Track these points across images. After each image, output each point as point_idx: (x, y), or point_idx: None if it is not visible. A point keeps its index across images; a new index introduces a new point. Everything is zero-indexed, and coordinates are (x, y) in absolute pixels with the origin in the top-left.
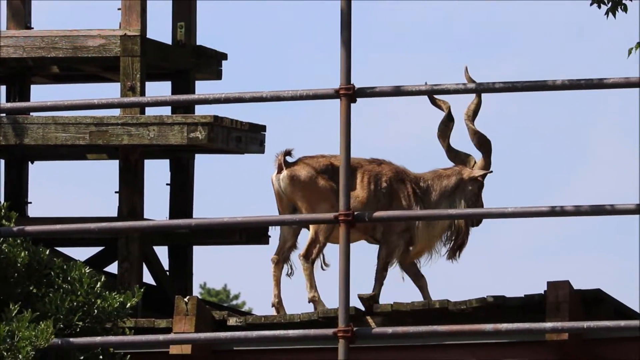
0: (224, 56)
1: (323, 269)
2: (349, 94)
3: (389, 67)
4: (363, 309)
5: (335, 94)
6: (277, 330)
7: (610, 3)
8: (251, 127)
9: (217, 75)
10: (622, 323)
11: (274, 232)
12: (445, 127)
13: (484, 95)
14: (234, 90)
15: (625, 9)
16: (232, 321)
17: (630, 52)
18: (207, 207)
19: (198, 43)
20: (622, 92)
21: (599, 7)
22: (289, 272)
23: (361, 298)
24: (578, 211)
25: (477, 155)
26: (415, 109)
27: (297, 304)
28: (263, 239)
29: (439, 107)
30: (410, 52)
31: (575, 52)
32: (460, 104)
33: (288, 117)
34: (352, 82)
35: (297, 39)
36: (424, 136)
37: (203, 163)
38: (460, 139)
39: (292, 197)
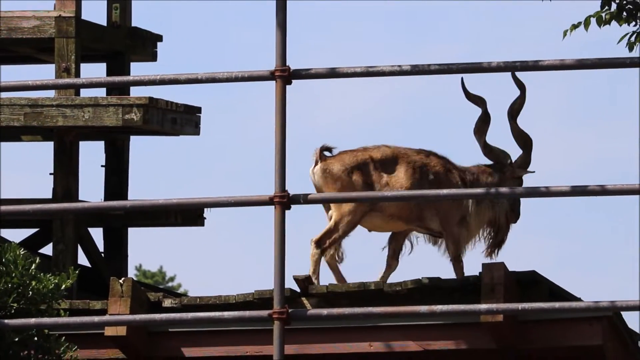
0: (159, 38)
1: (338, 262)
2: (285, 76)
3: (331, 49)
4: (298, 290)
5: (270, 76)
6: (213, 311)
7: None
8: (186, 109)
9: (152, 57)
10: (557, 305)
11: (209, 214)
12: (483, 124)
13: (423, 78)
14: (169, 72)
15: None
16: (167, 303)
17: (565, 34)
18: (142, 189)
19: (133, 24)
20: (557, 74)
21: None
22: (339, 259)
23: (296, 279)
24: (513, 192)
25: (510, 150)
26: (352, 91)
27: (233, 285)
28: (198, 220)
29: (476, 103)
30: (347, 33)
31: (512, 34)
32: (495, 102)
33: (224, 99)
34: (287, 64)
35: (234, 21)
36: (358, 118)
37: (138, 145)
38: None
39: (325, 191)
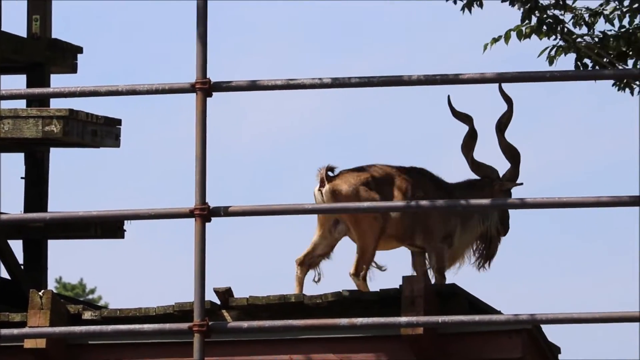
0: (79, 49)
1: (382, 271)
2: (205, 88)
3: (255, 62)
4: (219, 303)
5: (191, 88)
6: (133, 324)
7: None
8: (107, 121)
9: (73, 69)
10: (477, 318)
11: (129, 226)
12: (470, 140)
13: (342, 91)
14: (89, 84)
15: (480, 5)
16: (87, 315)
17: (485, 47)
18: (62, 201)
19: (53, 36)
20: (477, 87)
21: (455, 2)
22: (317, 279)
23: (217, 292)
24: (433, 205)
25: (498, 165)
26: (273, 104)
27: (154, 297)
28: (118, 232)
29: (462, 120)
30: (267, 46)
31: (433, 48)
32: (481, 116)
33: (145, 112)
34: (208, 76)
35: (157, 32)
36: (282, 131)
37: (58, 156)
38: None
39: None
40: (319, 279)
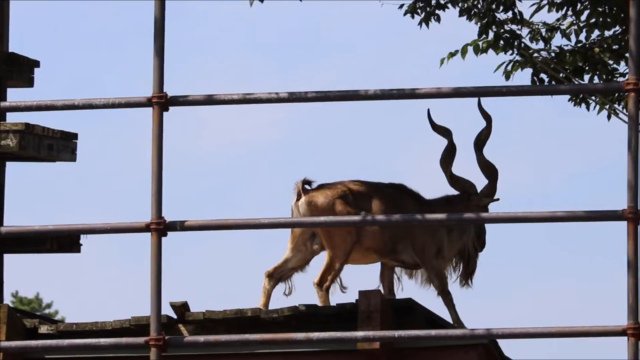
0: (36, 63)
1: (343, 292)
2: (162, 102)
3: (214, 75)
4: (175, 317)
5: (147, 102)
6: (89, 338)
7: (423, 14)
8: (63, 135)
9: (29, 83)
10: (433, 332)
11: (86, 240)
12: (449, 155)
13: (299, 105)
14: (47, 98)
15: (438, 20)
16: (43, 329)
17: (442, 62)
18: (18, 215)
19: (10, 50)
20: (434, 102)
21: (412, 17)
22: (287, 292)
23: (173, 306)
24: (388, 221)
25: (475, 179)
26: (231, 118)
27: (110, 311)
28: (75, 247)
29: (442, 134)
30: (225, 59)
31: (391, 62)
32: (461, 132)
33: (102, 126)
34: (164, 91)
35: (114, 46)
36: (240, 145)
37: (14, 170)
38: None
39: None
40: (290, 292)
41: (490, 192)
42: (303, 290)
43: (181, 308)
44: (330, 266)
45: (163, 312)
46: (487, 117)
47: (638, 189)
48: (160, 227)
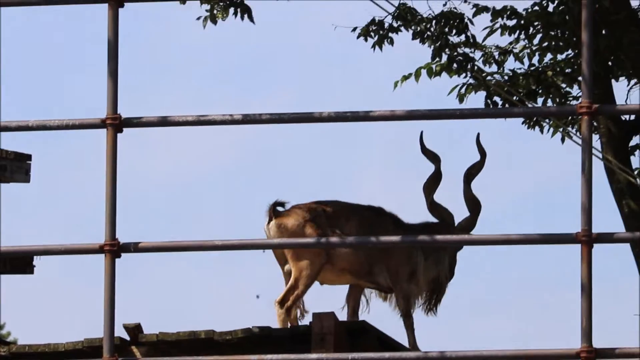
0: None
1: (301, 317)
2: (115, 124)
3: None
4: (128, 338)
5: (101, 124)
6: (43, 359)
7: (376, 37)
8: (16, 156)
9: None
10: (387, 355)
11: (39, 262)
12: (434, 182)
13: (256, 127)
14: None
15: (391, 42)
16: None
17: (395, 85)
18: None
19: None
20: (387, 124)
21: (366, 40)
22: (300, 315)
23: (126, 328)
24: (343, 243)
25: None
26: (185, 139)
27: (63, 332)
28: (28, 268)
29: (430, 159)
30: (181, 81)
31: (344, 85)
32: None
33: (56, 147)
34: (119, 112)
35: (71, 66)
36: (196, 166)
37: None
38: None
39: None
40: (303, 314)
41: (469, 225)
42: (251, 310)
43: (134, 330)
44: (294, 287)
45: (116, 334)
46: (483, 153)
47: (592, 212)
48: (114, 249)
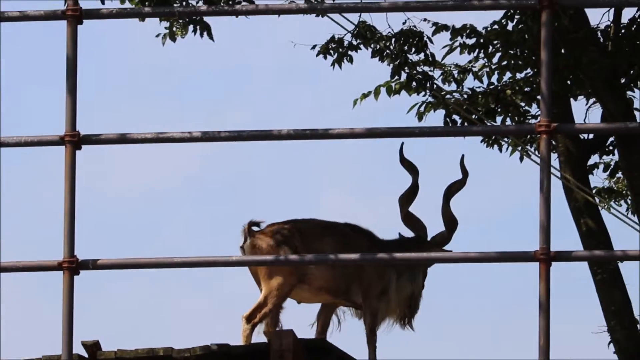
0: None
1: (265, 334)
2: (74, 141)
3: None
4: (87, 356)
5: (60, 141)
6: None
7: (336, 54)
8: None
9: None
10: None
11: None
12: (410, 194)
13: (216, 145)
14: None
15: (350, 60)
16: None
17: (355, 103)
18: None
19: None
20: (347, 142)
21: (325, 57)
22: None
23: (85, 345)
24: (301, 260)
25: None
26: (143, 157)
27: (20, 349)
28: None
29: (408, 170)
30: (140, 98)
31: (304, 103)
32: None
33: (15, 164)
34: (77, 129)
35: (26, 84)
36: (156, 183)
37: None
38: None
39: (254, 266)
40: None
41: (444, 241)
42: (211, 328)
43: (92, 347)
44: (263, 304)
45: (74, 351)
46: (465, 173)
47: (550, 230)
48: (72, 266)
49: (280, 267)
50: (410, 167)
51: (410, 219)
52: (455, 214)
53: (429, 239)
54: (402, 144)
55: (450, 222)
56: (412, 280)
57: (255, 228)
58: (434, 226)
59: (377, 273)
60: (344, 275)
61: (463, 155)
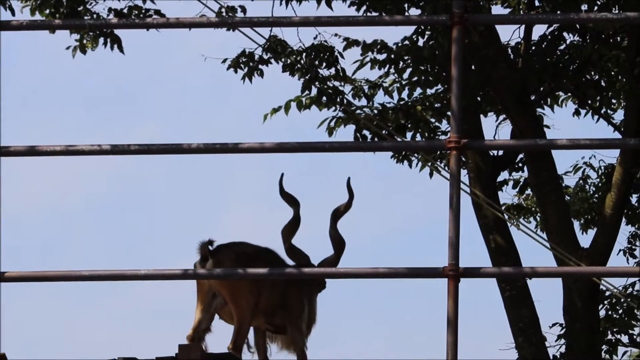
0: None
1: (250, 352)
2: None
3: (38, 124)
4: None
5: None
6: None
7: (246, 68)
8: None
9: None
10: None
11: None
12: (293, 227)
13: (125, 158)
14: None
15: (261, 75)
16: None
17: (265, 117)
18: None
19: None
20: (257, 156)
21: (236, 71)
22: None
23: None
24: (210, 275)
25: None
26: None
27: None
28: None
29: (289, 203)
30: (49, 109)
31: (214, 117)
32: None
33: None
34: None
35: None
36: (65, 196)
37: None
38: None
39: (215, 286)
40: (252, 347)
41: (332, 263)
42: (118, 340)
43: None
44: (240, 328)
45: None
46: (351, 195)
47: (459, 247)
48: None
49: (243, 288)
50: (291, 200)
51: (292, 251)
52: (350, 235)
53: (316, 265)
54: (282, 175)
55: (338, 244)
56: (312, 302)
57: (209, 247)
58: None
59: (298, 297)
60: (275, 299)
61: (349, 178)
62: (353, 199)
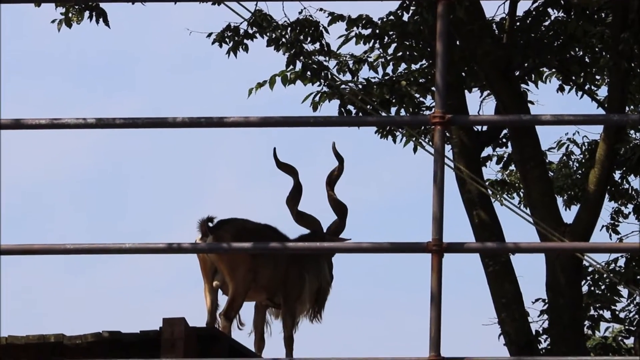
0: None
1: (240, 329)
2: None
3: (24, 97)
4: None
5: None
6: None
7: (231, 43)
8: None
9: None
10: None
11: None
12: (296, 194)
13: (111, 131)
14: None
15: (246, 49)
16: None
17: (250, 92)
18: None
19: None
20: (241, 131)
21: (221, 46)
22: (240, 326)
23: None
24: (195, 248)
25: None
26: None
27: None
28: None
29: (287, 172)
30: (34, 83)
31: (199, 91)
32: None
33: None
34: None
35: None
36: (53, 171)
37: None
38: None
39: (215, 261)
40: (244, 324)
41: (338, 228)
42: (102, 315)
43: None
44: (234, 299)
45: None
46: (340, 159)
47: (443, 222)
48: None
49: (241, 262)
50: (289, 169)
51: (302, 218)
52: (346, 202)
53: (325, 231)
54: (275, 149)
55: (340, 209)
56: (318, 274)
57: (209, 224)
58: (331, 218)
59: (297, 276)
60: (278, 277)
61: (334, 143)
62: (343, 161)
